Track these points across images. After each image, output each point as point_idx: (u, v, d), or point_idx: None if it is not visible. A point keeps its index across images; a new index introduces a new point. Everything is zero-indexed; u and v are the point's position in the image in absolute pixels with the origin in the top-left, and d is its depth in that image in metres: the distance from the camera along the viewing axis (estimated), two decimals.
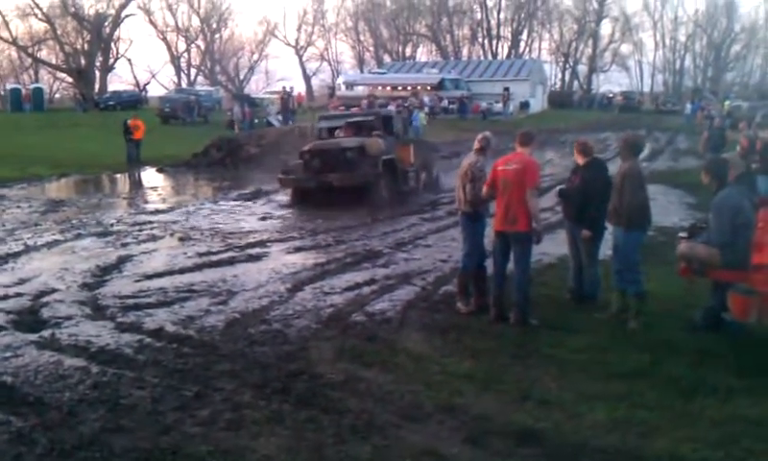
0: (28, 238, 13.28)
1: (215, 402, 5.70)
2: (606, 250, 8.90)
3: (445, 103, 54.65)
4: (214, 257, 11.55)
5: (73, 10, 68.08)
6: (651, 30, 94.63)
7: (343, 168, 17.48)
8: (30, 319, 8.14)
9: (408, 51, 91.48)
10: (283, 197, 19.09)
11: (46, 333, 7.54)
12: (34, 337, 7.42)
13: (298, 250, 12.36)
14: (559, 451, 5.00)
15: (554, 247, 10.95)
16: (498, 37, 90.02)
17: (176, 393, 5.89)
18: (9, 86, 59.63)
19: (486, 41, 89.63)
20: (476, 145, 8.64)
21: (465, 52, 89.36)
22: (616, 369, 6.52)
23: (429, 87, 56.72)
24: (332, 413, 5.51)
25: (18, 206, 17.78)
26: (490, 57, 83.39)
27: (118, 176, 25.96)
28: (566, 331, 7.59)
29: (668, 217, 14.75)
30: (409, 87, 57.05)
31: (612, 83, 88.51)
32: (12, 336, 7.46)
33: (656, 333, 7.52)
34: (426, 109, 47.46)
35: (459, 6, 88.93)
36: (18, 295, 9.22)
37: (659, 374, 6.42)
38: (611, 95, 76.88)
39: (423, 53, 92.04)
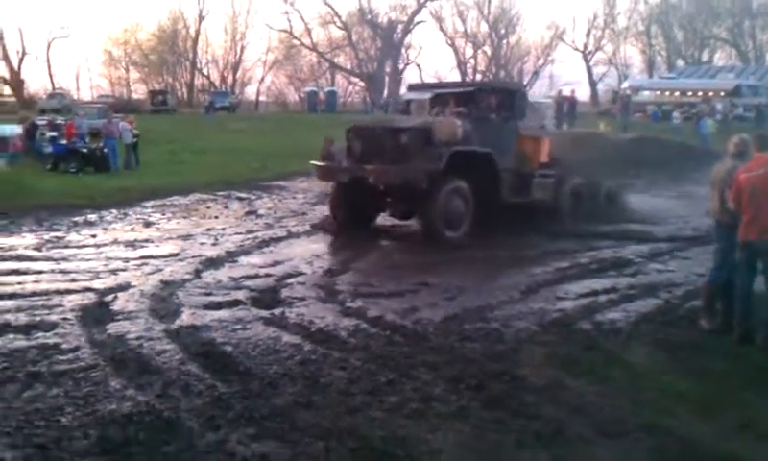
0: (292, 226, 14.24)
1: (405, 391, 5.67)
2: None
3: (741, 110, 50.36)
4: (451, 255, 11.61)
5: (369, 17, 72.33)
6: None
7: (389, 158, 12.53)
8: (268, 297, 8.67)
9: (705, 56, 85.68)
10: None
11: (277, 311, 7.99)
12: (265, 314, 7.89)
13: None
14: None
15: None
16: None
17: (372, 377, 5.95)
18: (307, 89, 64.84)
19: None
20: (732, 149, 7.82)
21: None
22: None
23: (723, 93, 52.65)
24: (521, 417, 5.23)
25: (294, 197, 19.14)
26: None
27: None
28: None
29: None
30: (700, 93, 53.37)
31: None
32: (247, 311, 7.99)
33: None
34: (718, 117, 44.10)
35: (764, 7, 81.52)
36: (267, 275, 9.87)
37: None
38: None
39: (721, 57, 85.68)
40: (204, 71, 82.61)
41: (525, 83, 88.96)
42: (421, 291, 9.19)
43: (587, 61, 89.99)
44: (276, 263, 10.78)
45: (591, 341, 7.21)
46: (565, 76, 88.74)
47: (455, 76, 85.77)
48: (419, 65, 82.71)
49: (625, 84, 63.86)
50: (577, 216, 14.38)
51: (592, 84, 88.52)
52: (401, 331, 7.31)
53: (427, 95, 15.32)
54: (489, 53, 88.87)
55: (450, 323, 7.69)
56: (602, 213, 14.84)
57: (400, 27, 72.78)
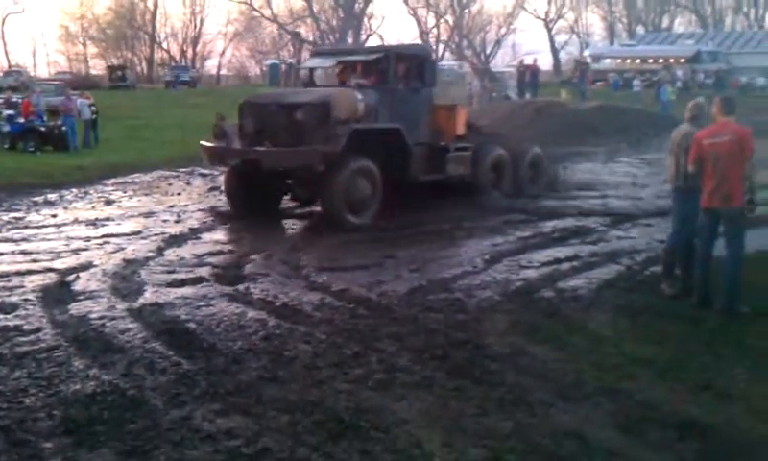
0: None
1: (371, 363, 5.71)
2: None
3: (701, 77, 50.95)
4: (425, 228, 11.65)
5: None
6: None
7: (283, 138, 11.38)
8: (232, 273, 8.65)
9: (665, 22, 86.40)
10: None
11: (241, 287, 7.98)
12: (229, 290, 7.87)
13: None
14: (723, 449, 4.44)
15: None
16: (766, 6, 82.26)
17: (337, 350, 5.98)
18: (268, 62, 64.23)
19: (753, 11, 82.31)
20: (687, 114, 7.93)
21: (727, 23, 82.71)
22: None
23: (683, 60, 53.17)
24: (484, 385, 5.30)
25: None
26: (756, 28, 76.47)
27: None
28: None
29: None
30: (661, 61, 53.84)
31: None
32: (211, 288, 7.98)
33: None
34: (678, 84, 44.56)
35: None
36: (230, 252, 9.87)
37: None
38: None
39: (681, 24, 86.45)
40: (164, 45, 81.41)
41: (488, 52, 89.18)
42: (385, 264, 9.23)
43: (549, 30, 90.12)
44: (240, 240, 10.74)
45: (553, 308, 7.31)
46: (528, 45, 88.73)
47: None
48: (380, 36, 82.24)
49: (586, 53, 64.21)
50: (501, 189, 13.85)
51: (554, 52, 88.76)
52: (366, 304, 7.35)
53: (329, 63, 14.13)
54: (451, 22, 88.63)
55: (415, 295, 7.74)
56: (528, 184, 14.36)
57: None
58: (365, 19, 75.45)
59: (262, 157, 11.28)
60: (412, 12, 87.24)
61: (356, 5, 72.10)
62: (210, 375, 5.46)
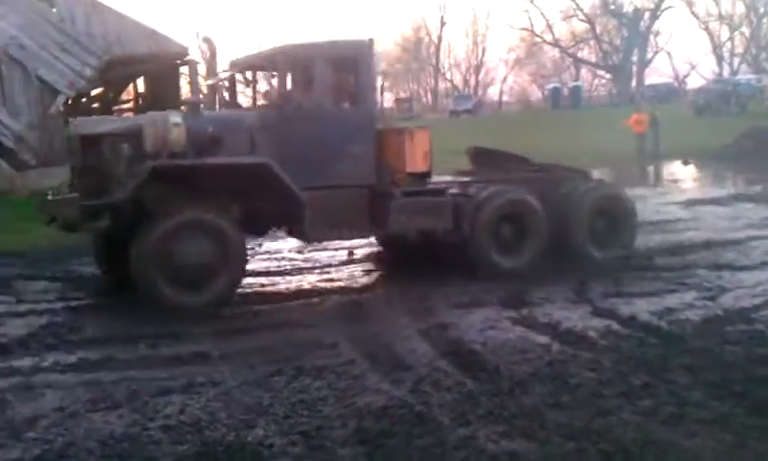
0: None
1: (661, 395, 5.44)
2: None
3: None
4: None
5: (613, 7, 69.85)
6: None
7: (92, 181, 8.61)
8: (516, 297, 8.63)
9: None
10: None
11: (525, 311, 7.99)
12: (513, 313, 7.92)
13: None
14: None
15: None
16: None
17: (624, 379, 5.78)
18: (550, 86, 63.98)
19: None
20: None
21: None
22: None
23: None
24: None
25: None
26: None
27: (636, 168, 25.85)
28: None
29: None
30: None
31: None
32: (496, 310, 8.09)
33: None
34: None
35: None
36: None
37: None
38: None
39: None
40: (448, 76, 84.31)
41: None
42: (677, 290, 8.73)
43: None
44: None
45: None
46: None
47: (710, 61, 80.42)
48: (668, 53, 78.54)
49: None
50: (519, 254, 9.77)
51: None
52: (655, 333, 7.03)
53: (225, 74, 10.67)
54: (747, 34, 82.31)
55: (710, 324, 7.26)
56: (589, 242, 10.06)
57: (647, 14, 69.50)
58: (651, 37, 72.47)
59: (43, 208, 8.93)
60: (704, 25, 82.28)
61: (641, 23, 69.51)
62: (494, 396, 5.53)
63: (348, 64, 9.50)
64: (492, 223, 9.58)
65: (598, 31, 72.36)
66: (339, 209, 9.10)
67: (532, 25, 75.56)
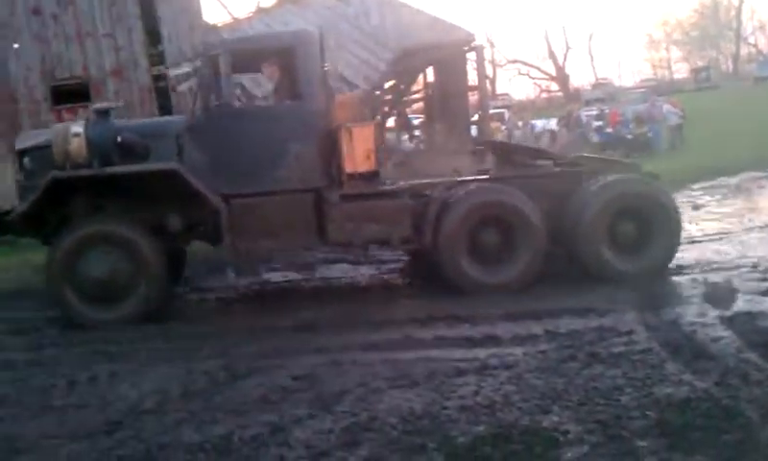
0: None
1: None
2: None
3: None
4: None
5: None
6: None
7: (21, 193, 8.89)
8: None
9: None
10: None
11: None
12: (716, 312, 7.14)
13: None
14: None
15: None
16: None
17: None
18: None
19: None
20: None
21: None
22: None
23: None
24: None
25: None
26: None
27: None
28: None
29: None
30: None
31: None
32: (700, 307, 7.39)
33: None
34: None
35: None
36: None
37: None
38: None
39: None
40: (751, 40, 77.29)
41: None
42: None
43: None
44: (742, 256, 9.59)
45: None
46: None
47: None
48: None
49: None
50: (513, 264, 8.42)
51: None
52: None
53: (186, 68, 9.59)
54: None
55: None
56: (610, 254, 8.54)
57: None
58: None
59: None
60: None
61: None
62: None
63: (287, 57, 8.73)
64: (464, 229, 8.33)
65: None
66: (276, 217, 8.31)
67: None
